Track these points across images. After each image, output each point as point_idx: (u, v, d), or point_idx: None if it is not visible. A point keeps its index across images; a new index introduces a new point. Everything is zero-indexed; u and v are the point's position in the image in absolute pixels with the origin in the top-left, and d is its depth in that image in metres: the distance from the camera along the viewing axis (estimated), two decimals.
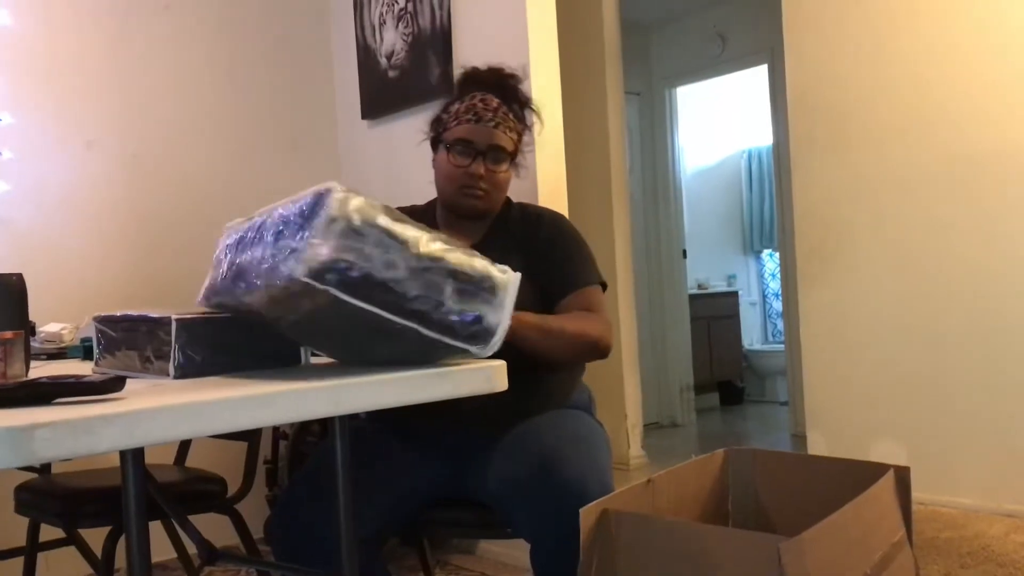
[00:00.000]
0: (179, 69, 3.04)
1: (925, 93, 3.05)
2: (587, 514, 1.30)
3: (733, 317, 6.45)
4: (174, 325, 1.14)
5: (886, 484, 1.43)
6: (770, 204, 6.66)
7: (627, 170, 4.26)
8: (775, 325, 6.91)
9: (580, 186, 3.21)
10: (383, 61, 3.01)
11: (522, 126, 1.79)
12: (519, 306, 1.66)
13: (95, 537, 1.91)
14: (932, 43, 3.03)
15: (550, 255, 1.72)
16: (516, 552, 2.61)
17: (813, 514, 1.25)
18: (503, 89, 1.78)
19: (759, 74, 5.29)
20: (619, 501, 1.38)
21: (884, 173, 3.16)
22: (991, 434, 2.91)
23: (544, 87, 2.45)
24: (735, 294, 6.58)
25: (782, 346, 5.44)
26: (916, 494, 1.50)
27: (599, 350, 1.66)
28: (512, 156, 1.76)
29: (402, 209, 1.89)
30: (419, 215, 1.84)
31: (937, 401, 3.04)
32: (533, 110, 1.83)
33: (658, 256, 5.43)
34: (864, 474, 1.43)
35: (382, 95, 3.04)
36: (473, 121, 1.71)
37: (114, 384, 0.94)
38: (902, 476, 1.48)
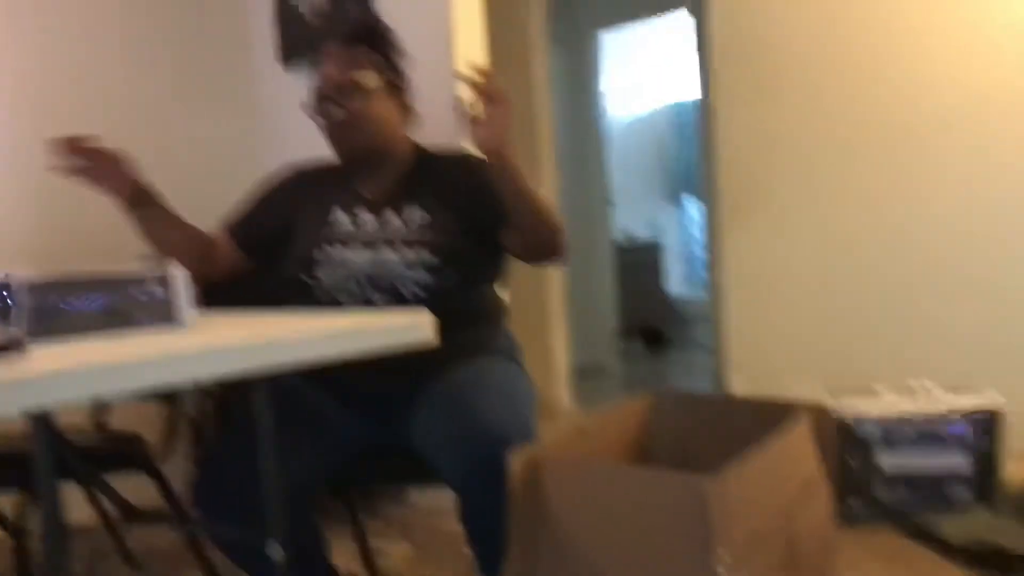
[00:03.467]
0: (82, 14, 2.88)
1: (852, 50, 3.10)
2: (516, 462, 1.30)
3: (657, 265, 6.55)
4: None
5: (804, 422, 1.48)
6: (694, 153, 6.73)
7: (553, 119, 4.23)
8: (699, 272, 7.05)
9: None
10: (301, 4, 2.91)
11: (380, 59, 1.77)
12: (450, 251, 1.66)
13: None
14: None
15: (482, 194, 1.67)
16: (448, 501, 2.62)
17: (736, 453, 1.28)
18: (370, 37, 1.78)
19: (684, 22, 5.28)
20: (548, 447, 1.39)
21: (806, 125, 3.22)
22: (907, 371, 3.03)
23: (467, 33, 2.40)
24: (659, 243, 6.68)
25: (706, 292, 5.55)
26: None
27: (561, 236, 1.64)
28: (375, 91, 1.74)
29: (318, 168, 1.88)
30: (332, 173, 1.82)
31: (855, 341, 3.15)
32: (398, 52, 1.82)
33: (585, 205, 5.44)
34: (784, 412, 1.47)
35: (300, 40, 2.95)
36: (321, 70, 1.75)
37: (15, 344, 0.89)
38: (819, 413, 1.53)
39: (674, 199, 7.20)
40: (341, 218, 1.76)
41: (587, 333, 5.39)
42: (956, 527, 2.17)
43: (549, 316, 4.07)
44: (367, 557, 2.00)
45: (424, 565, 2.31)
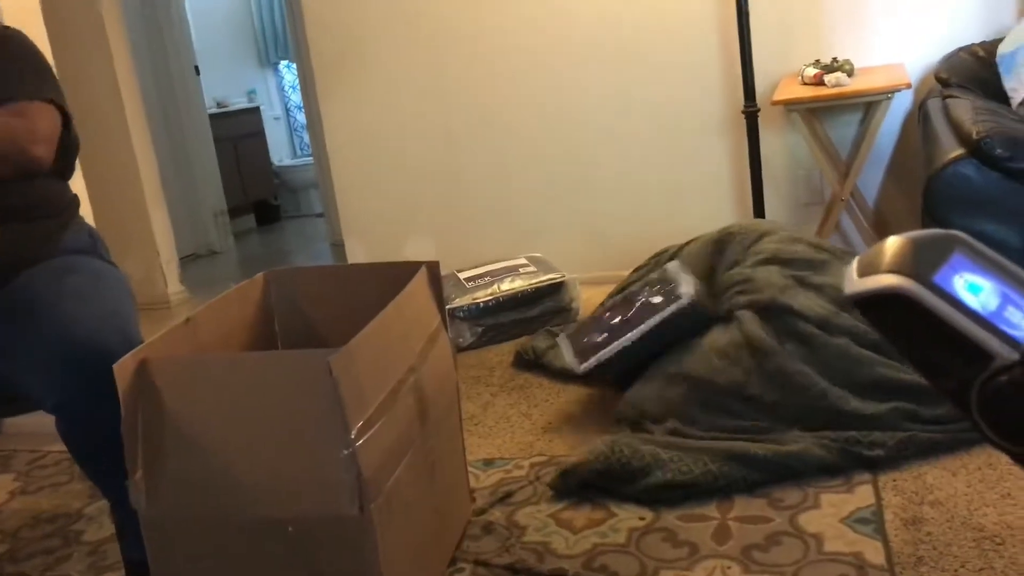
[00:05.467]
0: None
1: None
2: (122, 370, 1.18)
3: (259, 134, 6.26)
4: None
5: (420, 280, 1.52)
6: (281, 13, 6.40)
7: None
8: (302, 138, 6.86)
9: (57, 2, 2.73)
10: None
11: None
12: None
13: None
14: None
15: None
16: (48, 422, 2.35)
17: (358, 321, 1.28)
18: None
19: None
20: (157, 347, 1.28)
21: None
22: (501, 217, 3.28)
23: None
24: (257, 110, 6.35)
25: (311, 158, 5.45)
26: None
27: (27, 154, 1.44)
28: None
29: None
30: None
31: (457, 195, 3.31)
32: None
33: (168, 75, 4.96)
34: (400, 274, 1.50)
35: None
36: None
37: None
38: (432, 269, 1.59)
39: (269, 62, 6.85)
40: None
41: (193, 215, 5.05)
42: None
43: (144, 201, 3.72)
44: None
45: (34, 497, 2.07)
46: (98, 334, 1.32)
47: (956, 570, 1.35)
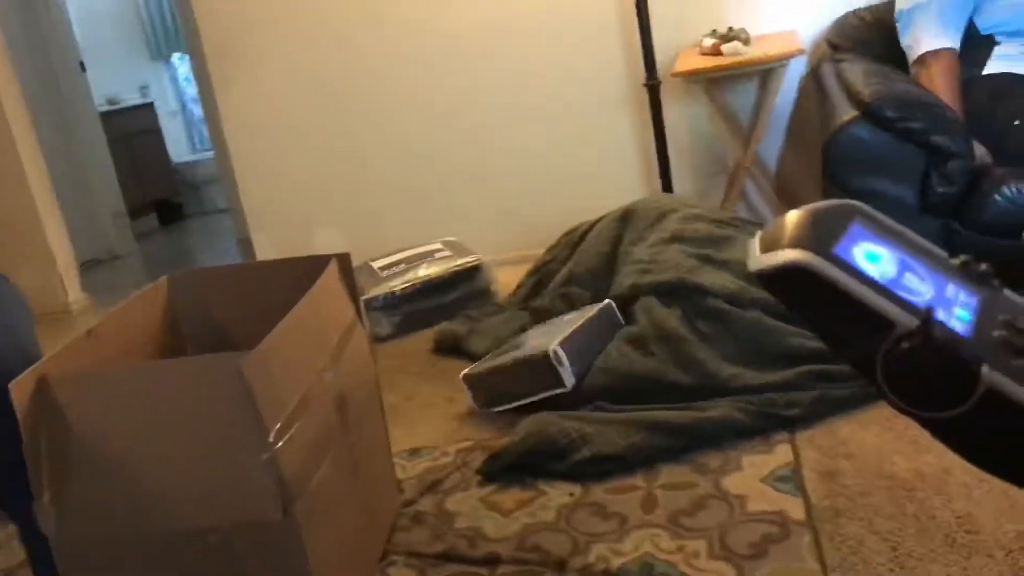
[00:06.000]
0: None
1: None
2: (19, 389, 1.12)
3: (155, 130, 6.04)
4: None
5: (331, 273, 1.49)
6: (169, 3, 6.17)
7: None
8: (201, 132, 6.65)
9: None
10: None
11: None
12: None
13: None
14: None
15: None
16: None
17: (270, 321, 1.24)
18: None
19: None
20: (58, 362, 1.21)
21: None
22: (412, 201, 3.24)
23: None
24: (151, 105, 6.12)
25: (212, 153, 5.28)
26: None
27: None
28: None
29: None
30: None
31: (365, 182, 3.26)
32: None
33: (52, 73, 4.73)
34: (310, 268, 1.46)
35: None
36: None
37: None
38: (344, 261, 1.56)
39: (160, 55, 6.59)
40: None
41: (90, 219, 4.84)
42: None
43: (35, 207, 3.55)
44: None
45: None
46: None
47: (871, 518, 1.40)
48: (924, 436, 1.50)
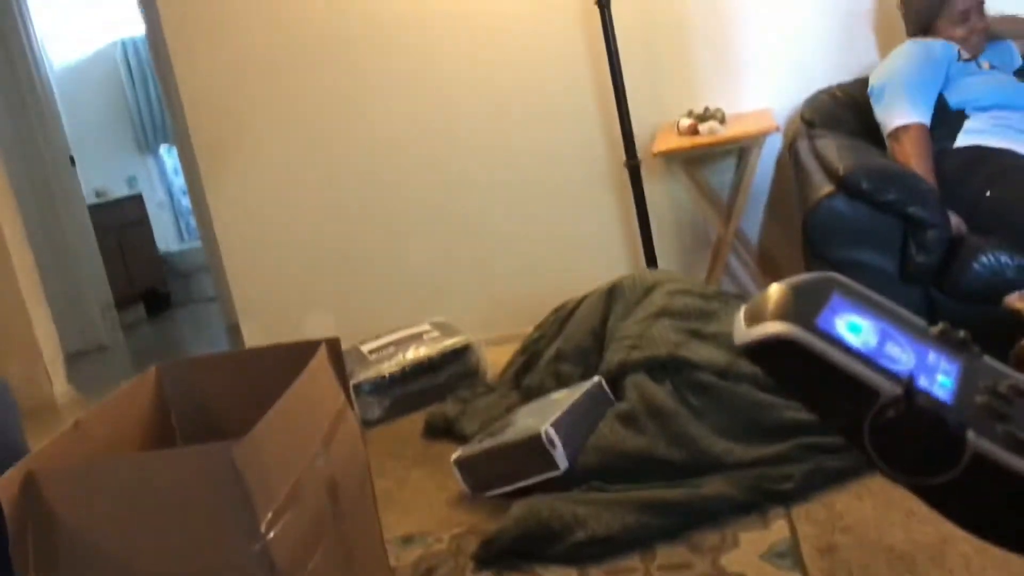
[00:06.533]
0: None
1: None
2: (6, 486, 1.10)
3: (143, 222, 6.09)
4: None
5: (320, 359, 1.49)
6: (158, 97, 6.29)
7: None
8: (188, 222, 6.70)
9: None
10: None
11: None
12: None
13: None
14: None
15: None
16: None
17: (260, 408, 1.24)
18: None
19: None
20: (45, 457, 1.20)
21: (267, 53, 3.17)
22: (399, 284, 3.26)
23: None
24: (139, 197, 6.19)
25: (199, 242, 5.32)
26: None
27: None
28: None
29: None
30: None
31: (352, 266, 3.28)
32: None
33: (41, 167, 4.78)
34: (299, 354, 1.46)
35: None
36: None
37: None
38: (333, 346, 1.56)
39: (149, 148, 6.69)
40: None
41: (77, 310, 4.83)
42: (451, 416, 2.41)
43: (22, 299, 3.55)
44: None
45: None
46: None
47: None
48: (920, 506, 1.49)
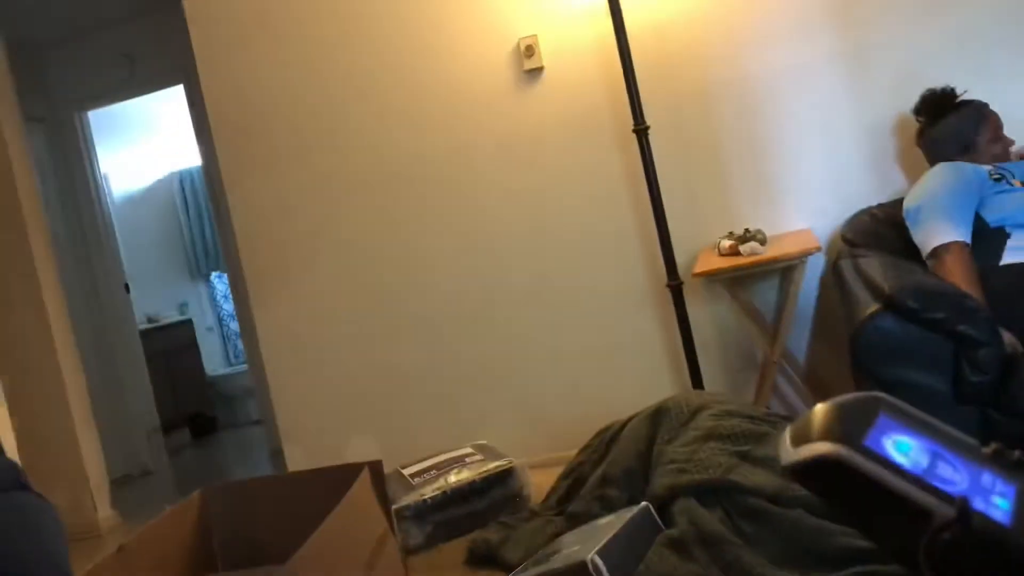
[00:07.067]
0: None
1: (337, 107, 3.26)
2: None
3: (192, 346, 6.22)
4: None
5: (363, 482, 1.48)
6: (211, 226, 6.54)
7: (42, 205, 3.78)
8: (236, 346, 6.83)
9: None
10: None
11: None
12: None
13: None
14: (338, 61, 3.25)
15: None
16: None
17: (303, 532, 1.23)
18: None
19: (179, 94, 5.12)
20: None
21: (314, 186, 3.31)
22: (442, 408, 3.26)
23: None
24: (189, 322, 6.34)
25: (246, 366, 5.39)
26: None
27: None
28: None
29: None
30: None
31: (395, 391, 3.30)
32: None
33: (97, 295, 4.95)
34: (342, 478, 1.46)
35: None
36: None
37: None
38: (375, 469, 1.55)
39: (200, 274, 6.91)
40: None
41: (124, 434, 4.89)
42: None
43: (74, 427, 3.60)
44: None
45: None
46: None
47: None
48: None
